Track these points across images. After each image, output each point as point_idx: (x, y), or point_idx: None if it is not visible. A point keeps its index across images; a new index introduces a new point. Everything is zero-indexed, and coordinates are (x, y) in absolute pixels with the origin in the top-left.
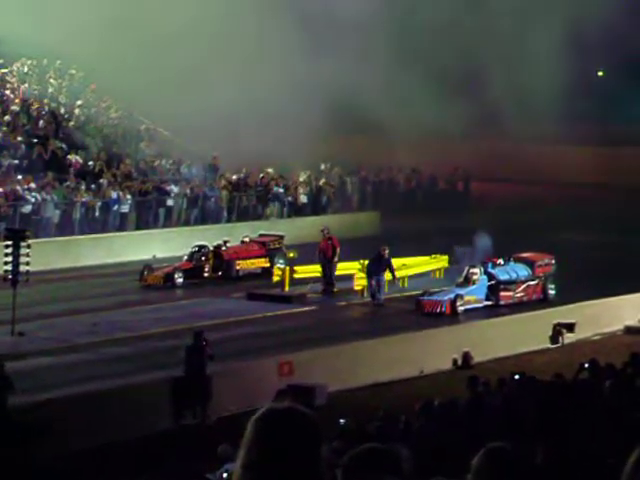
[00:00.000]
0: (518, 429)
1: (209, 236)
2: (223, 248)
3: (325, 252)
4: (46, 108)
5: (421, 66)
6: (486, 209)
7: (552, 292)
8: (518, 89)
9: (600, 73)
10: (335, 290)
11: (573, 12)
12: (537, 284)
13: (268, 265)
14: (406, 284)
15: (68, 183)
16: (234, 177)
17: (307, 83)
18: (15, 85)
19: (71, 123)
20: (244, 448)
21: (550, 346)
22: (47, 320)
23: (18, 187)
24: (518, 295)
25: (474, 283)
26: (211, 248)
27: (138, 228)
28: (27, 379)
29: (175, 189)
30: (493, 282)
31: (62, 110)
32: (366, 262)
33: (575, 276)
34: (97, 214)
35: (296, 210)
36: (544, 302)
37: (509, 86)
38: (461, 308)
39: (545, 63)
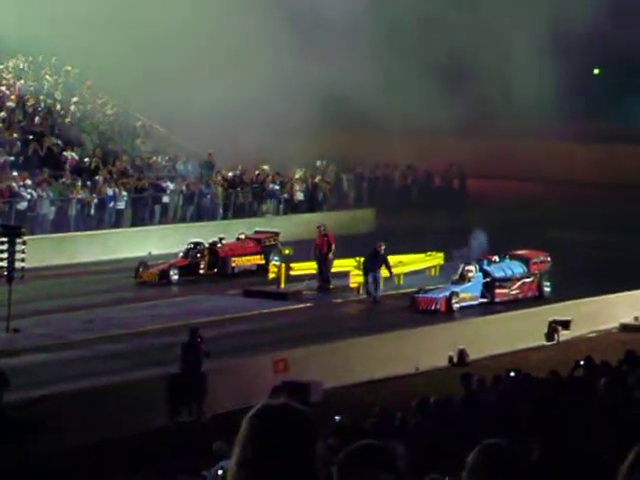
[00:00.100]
0: (513, 426)
1: (205, 233)
2: (218, 245)
3: (321, 249)
4: (42, 104)
5: (414, 63)
6: (482, 206)
7: (547, 289)
8: (512, 86)
9: (596, 71)
10: (331, 287)
11: (567, 9)
12: (532, 281)
13: (263, 262)
14: (401, 281)
15: (64, 180)
16: (230, 174)
17: (302, 80)
18: (11, 81)
19: (67, 120)
20: (239, 445)
21: (546, 343)
22: (42, 317)
23: (14, 184)
24: (513, 292)
25: (469, 280)
26: (206, 245)
27: (134, 225)
28: (22, 376)
29: (171, 186)
30: (488, 279)
31: (58, 107)
32: (362, 259)
33: (571, 273)
34: (93, 211)
35: (292, 207)
36: (539, 299)
37: (503, 83)
38: (456, 305)
39: (540, 60)
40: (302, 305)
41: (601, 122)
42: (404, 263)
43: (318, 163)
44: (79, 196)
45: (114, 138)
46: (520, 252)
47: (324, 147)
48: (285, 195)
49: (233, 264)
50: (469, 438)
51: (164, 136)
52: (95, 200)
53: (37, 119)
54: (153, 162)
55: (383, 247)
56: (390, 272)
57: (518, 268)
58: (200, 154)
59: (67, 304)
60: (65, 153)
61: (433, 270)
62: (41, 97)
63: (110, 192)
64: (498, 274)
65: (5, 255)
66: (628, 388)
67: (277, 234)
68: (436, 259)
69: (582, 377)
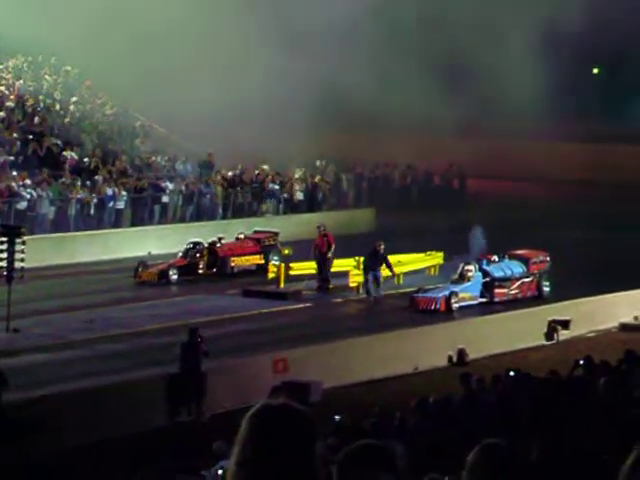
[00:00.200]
0: (513, 426)
1: (204, 233)
2: (218, 245)
3: (321, 249)
4: (41, 104)
5: (413, 62)
6: (481, 206)
7: (547, 289)
8: (510, 86)
9: (595, 70)
10: (330, 287)
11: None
12: (532, 281)
13: (263, 262)
14: (401, 281)
15: (63, 179)
16: (229, 174)
17: (302, 80)
18: (10, 81)
19: (66, 119)
20: (239, 445)
21: (545, 343)
22: (42, 316)
23: (13, 183)
24: (513, 292)
25: (469, 280)
26: (206, 245)
27: (133, 225)
28: (22, 375)
29: (170, 186)
30: (488, 279)
31: (57, 106)
32: (361, 259)
33: (570, 273)
34: (92, 211)
35: (291, 207)
36: (539, 299)
37: (501, 83)
38: (456, 305)
39: (538, 60)
40: (302, 305)
41: (600, 122)
42: (404, 263)
43: (318, 163)
44: (79, 196)
45: (113, 138)
46: (519, 252)
47: (324, 147)
48: (285, 195)
49: (232, 264)
50: (468, 438)
51: (163, 136)
52: (95, 200)
53: (36, 119)
54: (152, 162)
55: (382, 246)
56: (392, 271)
57: (517, 268)
58: (199, 154)
59: (67, 304)
60: (64, 153)
61: (433, 270)
62: (40, 97)
63: (110, 192)
64: (497, 274)
65: (5, 255)
66: (628, 387)
67: (276, 234)
68: (436, 259)
69: (581, 377)
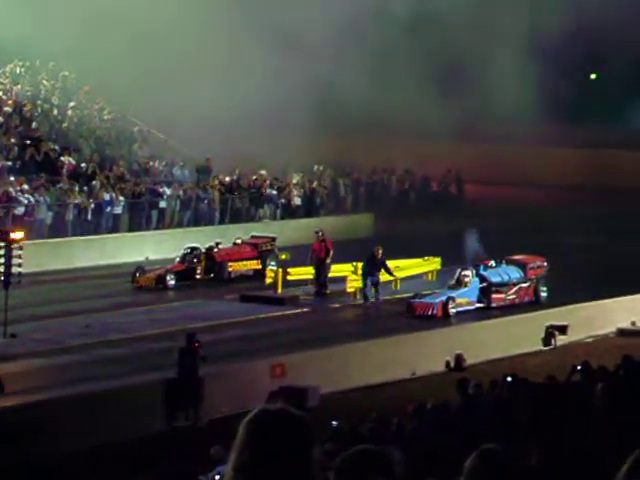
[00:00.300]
0: (511, 431)
1: (202, 238)
2: (215, 250)
3: (318, 254)
4: (39, 110)
5: (409, 67)
6: (479, 211)
7: (544, 294)
8: (503, 91)
9: (593, 76)
10: (328, 292)
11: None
12: (529, 286)
13: (260, 267)
14: (398, 286)
15: (61, 185)
16: (227, 179)
17: (300, 85)
18: (8, 87)
19: (64, 125)
20: (236, 450)
21: (543, 348)
22: (40, 322)
23: (11, 189)
24: (510, 297)
25: (466, 285)
26: (203, 250)
27: (131, 230)
28: (20, 381)
29: (168, 191)
30: (485, 284)
31: (55, 112)
32: (359, 264)
33: (567, 278)
34: (90, 216)
35: (289, 212)
36: (536, 304)
37: (494, 88)
38: (453, 310)
39: (535, 65)
40: (299, 310)
41: (598, 127)
42: (401, 268)
43: (315, 168)
44: (76, 201)
45: (111, 143)
46: (517, 257)
47: (321, 152)
48: (282, 200)
49: (230, 269)
50: (466, 443)
51: (161, 141)
52: (92, 205)
53: (34, 124)
54: (150, 167)
55: (381, 251)
56: (392, 274)
57: (515, 273)
58: (197, 159)
59: (64, 309)
60: (62, 158)
61: (430, 275)
62: (38, 102)
63: (107, 197)
64: (495, 279)
65: (2, 260)
66: (627, 394)
67: (274, 239)
68: (433, 264)
69: (579, 382)
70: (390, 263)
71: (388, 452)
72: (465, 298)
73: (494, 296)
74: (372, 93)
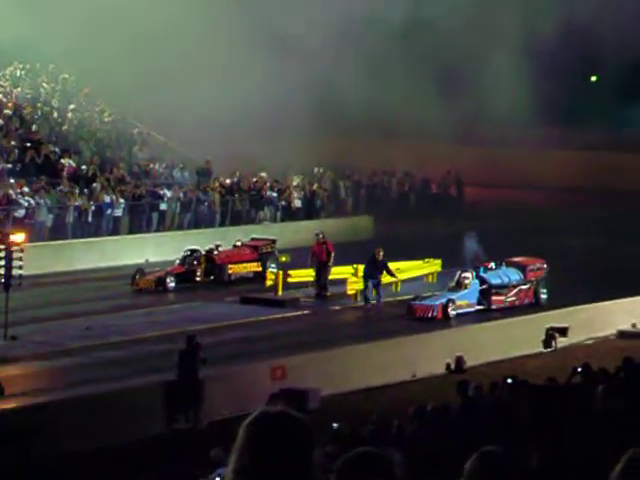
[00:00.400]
0: (511, 433)
1: (202, 240)
2: (215, 252)
3: (319, 256)
4: (39, 112)
5: (408, 69)
6: (479, 213)
7: (544, 296)
8: (502, 93)
9: (593, 78)
10: (328, 294)
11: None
12: (529, 288)
13: (260, 269)
14: (399, 288)
15: (61, 187)
16: (227, 181)
17: (300, 87)
18: (8, 89)
19: (64, 127)
20: (236, 452)
21: (543, 350)
22: (40, 324)
23: (11, 191)
24: (510, 299)
25: (466, 287)
26: (203, 252)
27: (131, 232)
28: (20, 383)
29: (168, 193)
30: (485, 286)
31: (55, 114)
32: (359, 266)
33: (567, 280)
34: (90, 218)
35: (289, 214)
36: (536, 306)
37: (493, 90)
38: (453, 313)
39: (534, 68)
40: (299, 312)
41: (597, 129)
42: (402, 270)
43: (315, 170)
44: (76, 203)
45: (111, 145)
46: (516, 259)
47: (321, 154)
48: (283, 202)
49: (230, 271)
50: (467, 445)
51: (161, 143)
52: (92, 207)
53: (34, 126)
54: (150, 169)
55: (382, 253)
56: (393, 275)
57: (515, 275)
58: (197, 161)
59: (64, 311)
60: (62, 160)
61: (431, 277)
62: (38, 105)
63: (107, 199)
64: (494, 281)
65: (2, 262)
66: (628, 396)
67: (274, 241)
68: (434, 266)
69: (580, 384)
70: (390, 265)
71: (389, 454)
72: (465, 300)
73: (494, 298)
74: (372, 94)
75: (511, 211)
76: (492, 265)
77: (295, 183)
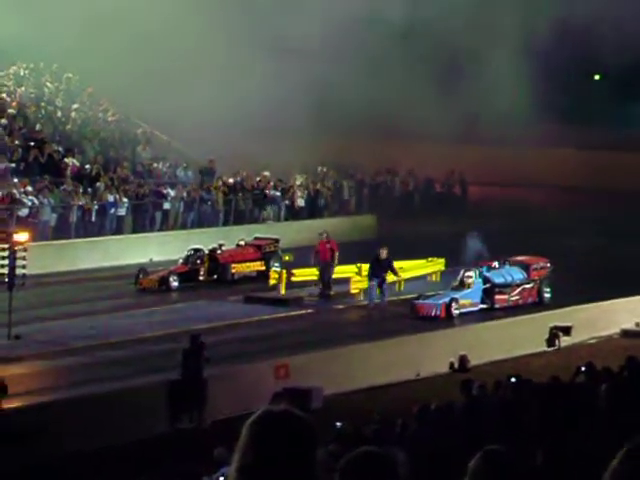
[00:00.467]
0: (515, 432)
1: (205, 239)
2: (218, 251)
3: (324, 255)
4: (43, 111)
5: (410, 67)
6: (482, 212)
7: (547, 295)
8: (504, 92)
9: (597, 77)
10: (332, 293)
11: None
12: (532, 287)
13: (264, 268)
14: (402, 287)
15: (65, 186)
16: (231, 180)
17: (303, 86)
18: (12, 88)
19: (68, 126)
20: (239, 451)
21: (546, 349)
22: (43, 323)
23: (15, 190)
24: (513, 298)
25: (469, 286)
26: (206, 251)
27: (135, 231)
28: (24, 382)
29: (172, 192)
30: (488, 285)
31: (59, 113)
32: (363, 265)
33: (571, 279)
34: (94, 217)
35: (293, 213)
36: (539, 305)
37: (500, 90)
38: (456, 312)
39: (536, 67)
40: (303, 311)
41: (601, 128)
42: (405, 269)
43: (319, 169)
44: (80, 203)
45: (115, 145)
46: (520, 258)
47: (325, 153)
48: (286, 201)
49: (233, 270)
50: (470, 444)
51: (165, 143)
52: (96, 207)
53: (38, 126)
54: (154, 169)
55: (385, 252)
56: (397, 275)
57: (518, 274)
58: (201, 160)
59: (68, 311)
60: (66, 160)
61: (434, 276)
62: (42, 104)
63: (111, 199)
64: (498, 280)
65: (6, 262)
66: (632, 395)
67: (277, 240)
68: (437, 265)
69: (583, 383)
70: (394, 264)
71: (392, 453)
72: (468, 299)
73: (497, 297)
74: (373, 94)
75: (514, 210)
76: (495, 264)
77: (298, 182)
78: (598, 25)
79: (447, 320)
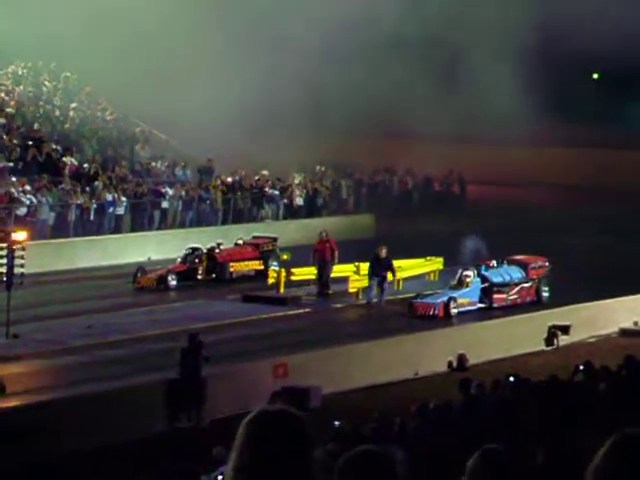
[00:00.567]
0: (513, 431)
1: (204, 238)
2: (216, 250)
3: (323, 254)
4: (41, 110)
5: (412, 68)
6: (480, 211)
7: (546, 294)
8: (503, 92)
9: (595, 76)
10: (330, 292)
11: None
12: (531, 286)
13: (262, 267)
14: (401, 286)
15: (63, 185)
16: (229, 179)
17: (302, 86)
18: (10, 88)
19: (66, 125)
20: (236, 450)
21: (545, 348)
22: (42, 322)
23: (13, 189)
24: (511, 297)
25: (467, 286)
26: (205, 250)
27: (133, 230)
28: (22, 381)
29: (170, 191)
30: (486, 284)
31: (57, 112)
32: (361, 264)
33: (569, 278)
34: (92, 216)
35: (291, 212)
36: (538, 304)
37: (498, 90)
38: (454, 311)
39: (534, 67)
40: (301, 310)
41: (600, 127)
42: (403, 268)
43: (317, 168)
44: (78, 202)
45: (113, 144)
46: (518, 257)
47: (323, 152)
48: (284, 200)
49: (231, 269)
50: (469, 443)
51: (163, 142)
52: (94, 206)
53: (36, 125)
54: (152, 168)
55: (385, 250)
56: (394, 274)
57: (516, 273)
58: (199, 159)
59: (66, 310)
60: (64, 159)
61: (433, 275)
62: (40, 103)
63: (109, 197)
64: (496, 279)
65: (4, 261)
66: (630, 393)
67: (275, 239)
68: (436, 264)
69: (582, 382)
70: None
71: (391, 452)
72: (467, 298)
73: (496, 296)
74: (372, 93)
75: (513, 209)
76: (494, 263)
77: (297, 181)
78: (597, 24)
79: (445, 319)
